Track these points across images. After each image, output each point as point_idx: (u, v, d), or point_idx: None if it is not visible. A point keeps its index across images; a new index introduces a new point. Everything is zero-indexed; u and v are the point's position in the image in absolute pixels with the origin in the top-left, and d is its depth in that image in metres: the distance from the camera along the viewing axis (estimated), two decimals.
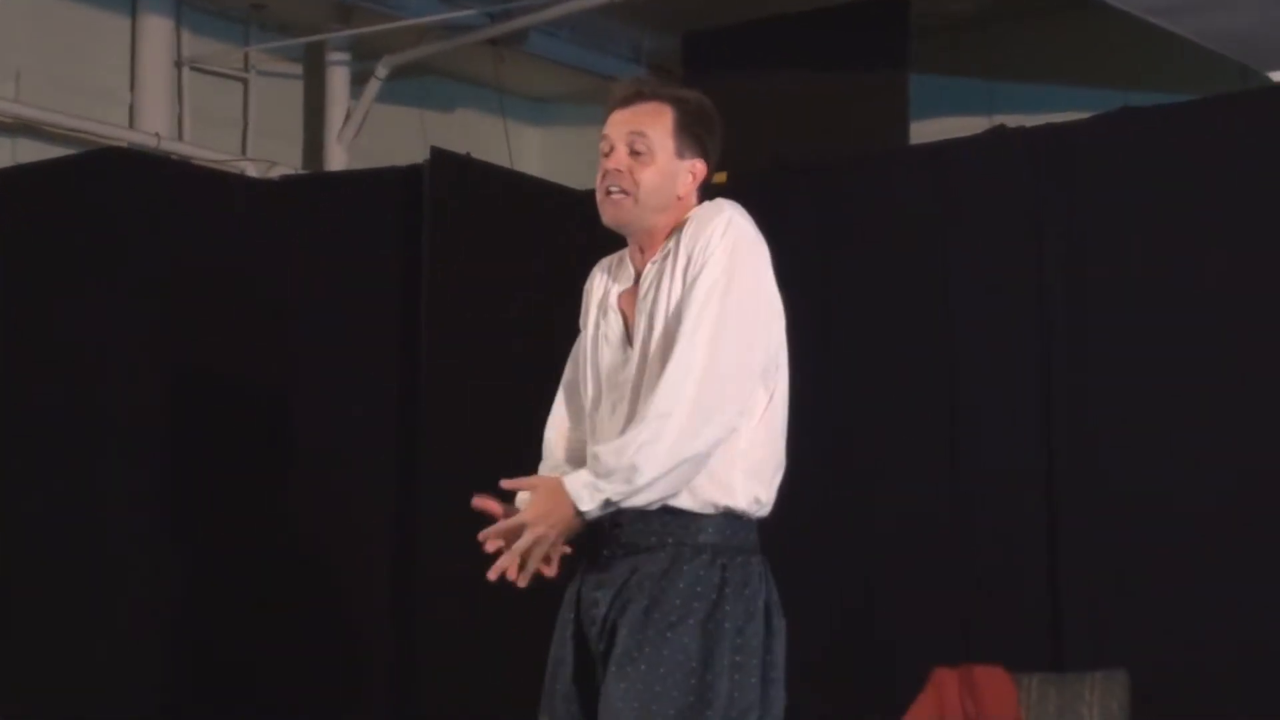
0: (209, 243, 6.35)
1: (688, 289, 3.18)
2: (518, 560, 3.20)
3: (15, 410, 6.15)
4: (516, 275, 6.47)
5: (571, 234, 6.11)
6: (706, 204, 3.33)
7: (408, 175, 6.59)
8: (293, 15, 7.78)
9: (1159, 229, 5.83)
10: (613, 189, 3.31)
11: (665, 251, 3.28)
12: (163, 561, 6.07)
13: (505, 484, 3.23)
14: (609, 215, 3.33)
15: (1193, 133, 5.87)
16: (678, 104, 3.36)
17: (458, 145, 6.90)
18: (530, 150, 8.64)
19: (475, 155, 6.88)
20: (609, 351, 3.36)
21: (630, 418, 3.21)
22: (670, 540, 3.19)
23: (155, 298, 6.17)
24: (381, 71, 7.77)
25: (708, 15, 7.77)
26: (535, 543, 3.16)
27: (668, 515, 3.18)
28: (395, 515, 6.41)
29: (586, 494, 3.10)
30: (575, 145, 8.84)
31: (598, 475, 3.09)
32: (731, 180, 7.05)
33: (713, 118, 3.41)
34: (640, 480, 3.08)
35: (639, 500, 3.11)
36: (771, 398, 3.26)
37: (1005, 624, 5.95)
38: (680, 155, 3.34)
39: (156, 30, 7.35)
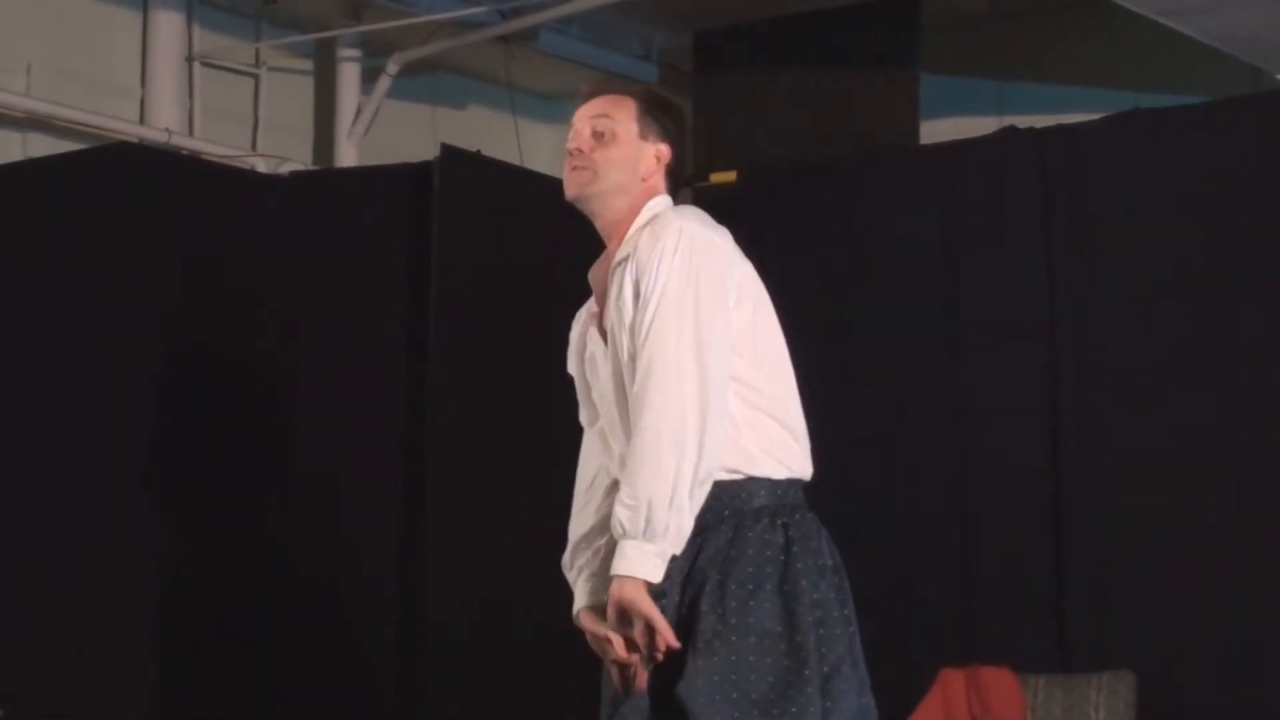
0: (219, 238, 6.35)
1: (641, 307, 3.19)
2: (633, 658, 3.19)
3: (21, 405, 6.15)
4: (526, 272, 6.47)
5: (582, 231, 6.11)
6: (665, 212, 3.34)
7: (418, 172, 6.59)
8: (304, 11, 7.78)
9: (1169, 230, 5.83)
10: (575, 167, 3.39)
11: (624, 256, 3.30)
12: (165, 564, 6.04)
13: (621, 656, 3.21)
14: (570, 189, 3.40)
15: (1203, 134, 5.87)
16: (640, 93, 3.45)
17: (468, 142, 6.90)
18: (541, 147, 8.63)
19: (485, 152, 6.88)
20: (593, 367, 3.41)
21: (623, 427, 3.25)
22: (727, 512, 3.19)
23: (165, 292, 6.17)
24: (392, 68, 7.77)
25: (719, 13, 7.76)
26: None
27: (718, 489, 3.18)
28: (402, 513, 6.39)
29: (644, 566, 3.10)
30: None
31: (633, 539, 3.09)
32: (741, 178, 7.08)
33: (677, 107, 3.47)
34: (670, 529, 3.09)
35: (682, 532, 3.11)
36: (755, 371, 3.27)
37: (1011, 624, 5.96)
38: (643, 137, 3.38)
39: (168, 25, 7.35)
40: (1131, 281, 5.87)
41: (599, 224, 3.43)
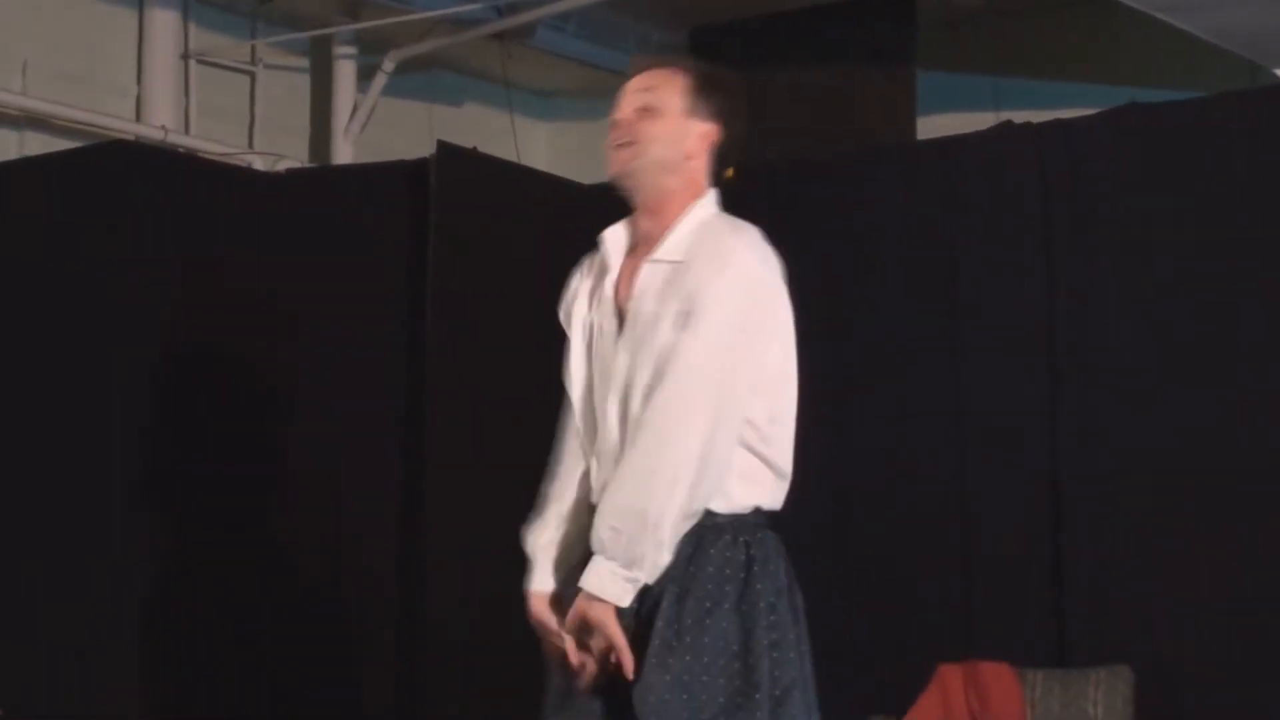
0: (215, 236, 6.34)
1: (679, 328, 3.12)
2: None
3: (17, 403, 6.14)
4: (523, 269, 6.46)
5: (579, 228, 6.10)
6: (720, 224, 3.27)
7: (414, 169, 6.58)
8: (300, 9, 7.78)
9: (1166, 225, 5.83)
10: (614, 140, 3.29)
11: (671, 258, 3.21)
12: (164, 564, 6.02)
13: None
14: (613, 166, 3.29)
15: (1201, 129, 5.86)
16: (692, 68, 3.34)
17: (464, 139, 6.89)
18: (537, 144, 8.64)
19: (482, 149, 6.88)
20: (601, 344, 3.31)
21: (618, 431, 3.20)
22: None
23: (162, 291, 6.16)
24: (388, 65, 7.77)
25: (715, 10, 7.76)
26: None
27: None
28: (401, 511, 6.39)
29: (615, 590, 3.09)
30: (582, 139, 8.84)
31: (611, 560, 3.07)
32: (738, 175, 7.07)
33: (729, 85, 3.35)
34: (647, 561, 3.07)
35: (658, 565, 3.09)
36: (764, 414, 3.23)
37: (1010, 620, 5.95)
38: (690, 114, 3.29)
39: (164, 23, 7.35)
40: (1131, 277, 5.87)
41: (638, 199, 3.32)
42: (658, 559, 3.07)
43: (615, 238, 3.37)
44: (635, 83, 3.34)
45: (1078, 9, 7.40)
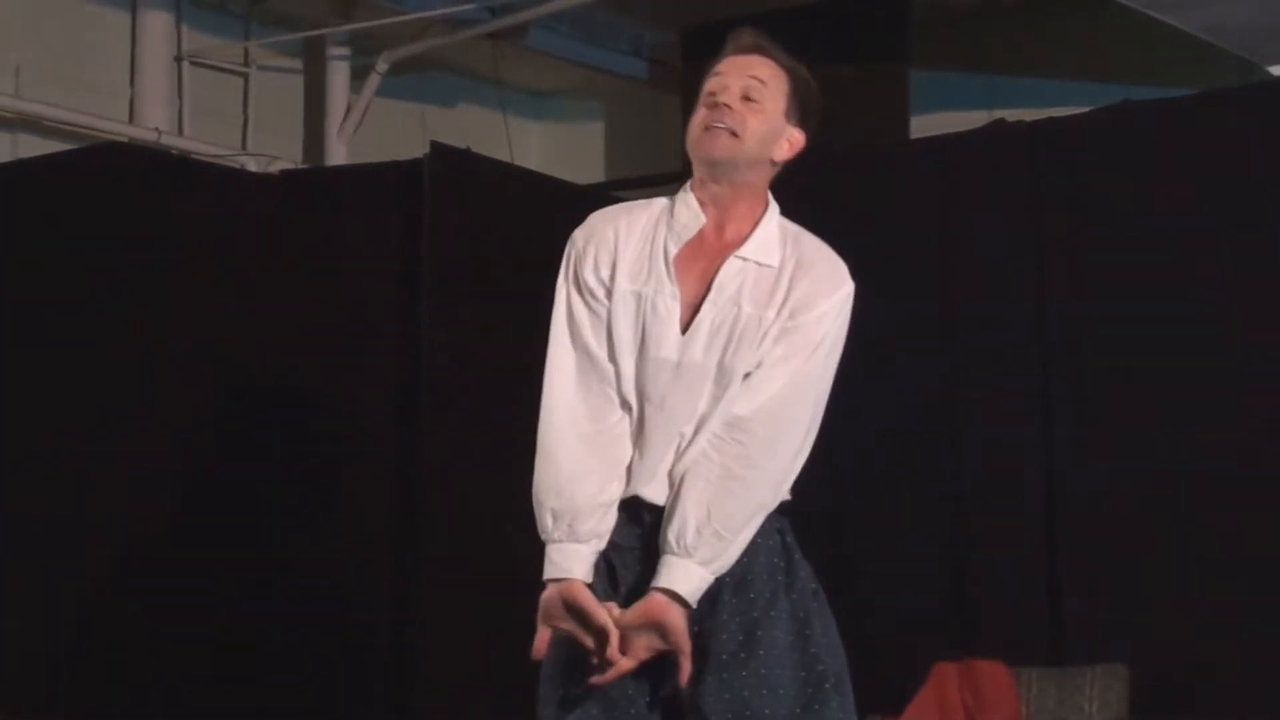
0: (209, 237, 6.34)
1: (789, 335, 3.11)
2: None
3: (9, 406, 6.14)
4: (517, 270, 6.46)
5: (572, 228, 6.09)
6: (819, 243, 3.29)
7: (408, 170, 6.58)
8: (293, 10, 7.78)
9: (1159, 223, 5.83)
10: (719, 124, 3.13)
11: (766, 261, 3.16)
12: (157, 566, 6.01)
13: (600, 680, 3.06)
14: (707, 148, 3.13)
15: (1193, 127, 5.87)
16: (793, 72, 3.24)
17: (458, 140, 6.89)
18: (530, 145, 8.64)
19: (475, 150, 6.88)
20: (656, 324, 3.12)
21: (684, 422, 3.08)
22: None
23: (155, 292, 6.16)
24: (382, 66, 7.77)
25: (707, 9, 7.75)
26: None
27: None
28: (395, 511, 6.39)
29: (695, 592, 3.00)
30: (575, 140, 8.85)
31: (702, 565, 3.00)
32: None
33: (819, 96, 3.28)
34: (729, 566, 3.04)
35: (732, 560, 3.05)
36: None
37: (1005, 619, 5.96)
38: (787, 117, 3.20)
39: (157, 25, 7.35)
40: (1124, 274, 5.87)
41: (712, 189, 3.17)
42: (732, 559, 3.04)
43: (680, 218, 3.19)
44: (742, 64, 3.22)
45: (1071, 7, 7.41)
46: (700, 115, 3.17)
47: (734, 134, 3.13)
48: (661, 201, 3.25)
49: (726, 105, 3.14)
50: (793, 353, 3.10)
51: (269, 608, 6.23)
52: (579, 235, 3.28)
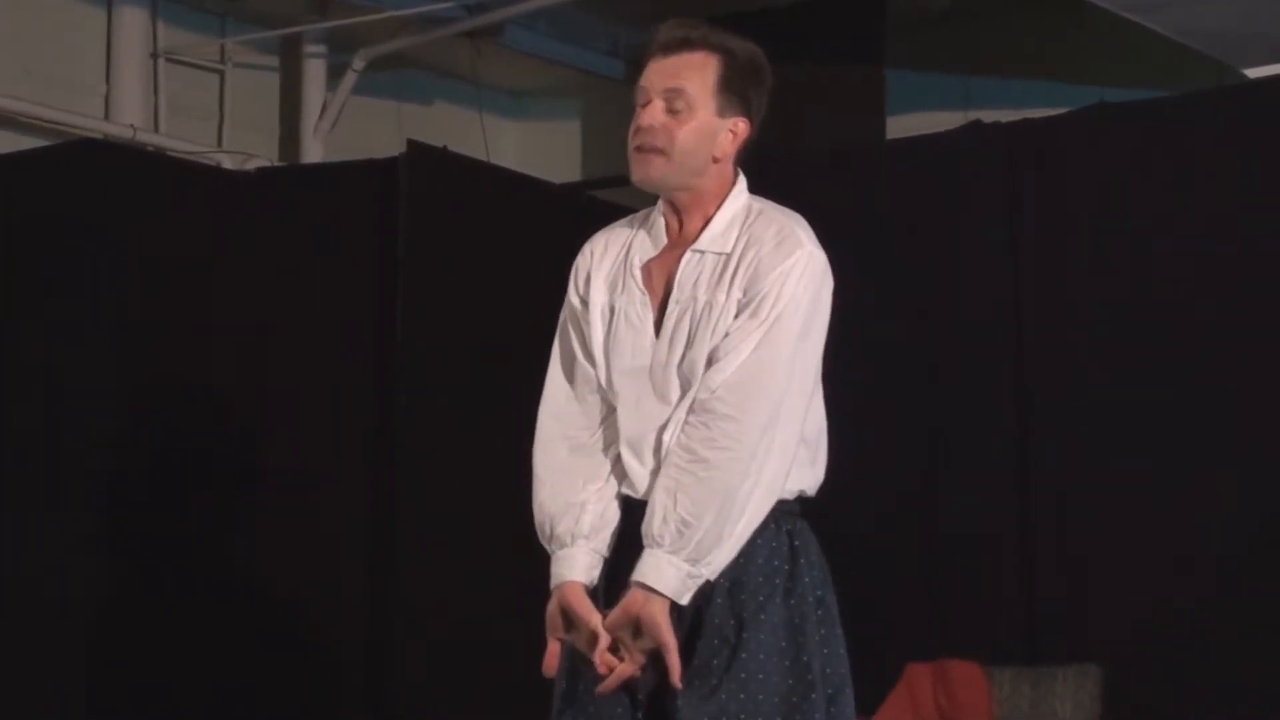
0: (184, 235, 6.33)
1: (752, 317, 3.03)
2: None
3: None
4: (493, 269, 6.47)
5: (548, 228, 6.11)
6: (778, 217, 3.16)
7: (384, 168, 6.58)
8: (269, 7, 7.76)
9: (1135, 224, 5.86)
10: (644, 145, 3.08)
11: (720, 249, 3.09)
12: (132, 569, 5.98)
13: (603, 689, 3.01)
14: (639, 173, 3.10)
15: (1168, 128, 5.89)
16: (725, 55, 3.12)
17: (434, 138, 6.89)
18: (507, 144, 8.63)
19: (452, 148, 6.87)
20: (629, 333, 3.13)
21: (659, 422, 3.06)
22: None
23: (129, 289, 6.15)
24: (358, 64, 7.75)
25: (685, 9, 7.73)
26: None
27: None
28: (371, 513, 6.37)
29: (677, 586, 2.94)
30: (552, 139, 8.84)
31: (674, 554, 2.94)
32: None
33: (761, 71, 3.17)
34: (714, 559, 2.96)
35: (722, 563, 2.98)
36: (814, 399, 3.23)
37: (979, 619, 5.97)
38: (721, 114, 3.11)
39: (132, 22, 7.33)
40: (1099, 276, 5.89)
41: (671, 196, 3.15)
42: (723, 558, 2.95)
43: (656, 225, 3.19)
44: (666, 69, 3.12)
45: (1046, 9, 7.42)
46: (631, 135, 3.13)
47: (662, 152, 3.09)
48: (648, 212, 3.26)
49: (649, 126, 3.09)
50: (752, 327, 3.03)
51: (242, 612, 6.22)
52: (579, 260, 3.30)
